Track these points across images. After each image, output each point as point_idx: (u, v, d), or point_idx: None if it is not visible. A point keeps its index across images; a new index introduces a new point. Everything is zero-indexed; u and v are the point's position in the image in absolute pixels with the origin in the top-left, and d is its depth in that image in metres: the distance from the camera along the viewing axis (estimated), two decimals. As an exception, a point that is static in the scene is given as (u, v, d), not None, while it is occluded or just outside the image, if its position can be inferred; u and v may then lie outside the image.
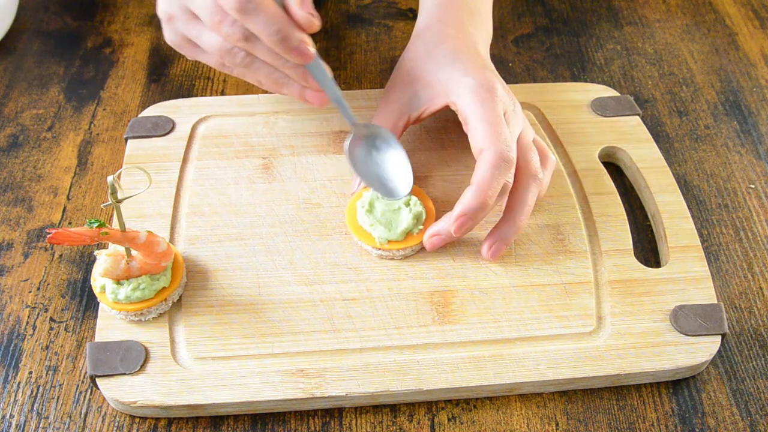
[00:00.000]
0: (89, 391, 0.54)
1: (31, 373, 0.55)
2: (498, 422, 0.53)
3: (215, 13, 0.54)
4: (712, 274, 0.60)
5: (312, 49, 0.55)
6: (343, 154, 0.66)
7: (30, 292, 0.59)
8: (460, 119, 0.60)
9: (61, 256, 0.62)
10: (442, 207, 0.62)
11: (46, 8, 0.84)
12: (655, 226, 0.64)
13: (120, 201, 0.51)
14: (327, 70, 0.58)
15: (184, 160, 0.66)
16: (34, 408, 0.53)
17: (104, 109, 0.73)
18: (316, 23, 0.55)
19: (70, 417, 0.53)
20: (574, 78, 0.78)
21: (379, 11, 0.85)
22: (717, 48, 0.81)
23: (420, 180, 0.64)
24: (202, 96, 0.74)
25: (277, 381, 0.52)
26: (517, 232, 0.58)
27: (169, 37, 0.61)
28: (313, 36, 0.56)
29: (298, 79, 0.58)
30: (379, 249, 0.59)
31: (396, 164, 0.61)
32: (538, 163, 0.59)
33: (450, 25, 0.64)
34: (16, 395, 0.54)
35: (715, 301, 0.57)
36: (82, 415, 0.53)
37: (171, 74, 0.77)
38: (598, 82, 0.76)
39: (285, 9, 0.55)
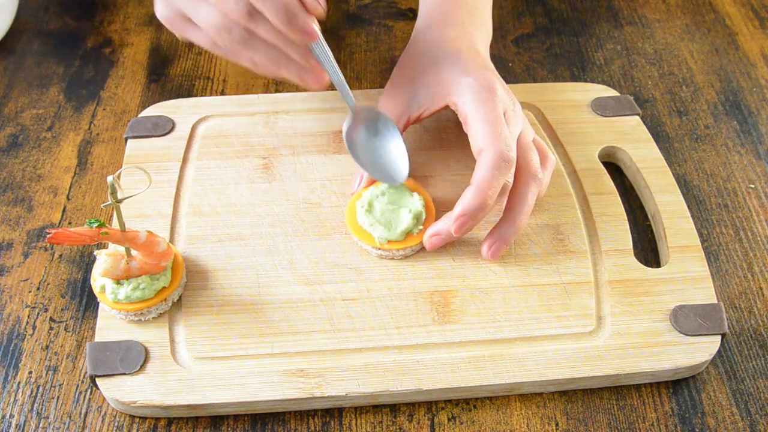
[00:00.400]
0: (89, 391, 0.54)
1: (31, 373, 0.55)
2: (498, 422, 0.53)
3: None
4: (712, 274, 0.60)
5: (317, 28, 0.55)
6: (343, 153, 0.66)
7: (30, 292, 0.59)
8: (460, 119, 0.60)
9: (61, 256, 0.62)
10: (442, 207, 0.62)
11: (46, 8, 0.84)
12: (655, 226, 0.64)
13: (120, 201, 0.51)
14: (329, 51, 0.58)
15: (184, 160, 0.66)
16: (34, 408, 0.53)
17: (104, 109, 0.73)
18: (321, 11, 0.55)
19: (70, 417, 0.53)
20: (574, 78, 0.78)
21: (379, 11, 0.85)
22: (717, 48, 0.81)
23: (420, 180, 0.64)
24: (202, 96, 0.74)
25: (276, 381, 0.52)
26: (517, 232, 0.58)
27: (162, 11, 0.59)
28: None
29: (299, 59, 0.57)
30: (379, 249, 0.59)
31: (394, 149, 0.61)
32: (538, 163, 0.59)
33: (450, 25, 0.64)
34: (16, 395, 0.54)
35: (715, 301, 0.57)
36: (82, 415, 0.53)
37: (171, 74, 0.77)
38: (598, 82, 0.76)
39: None
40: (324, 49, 0.57)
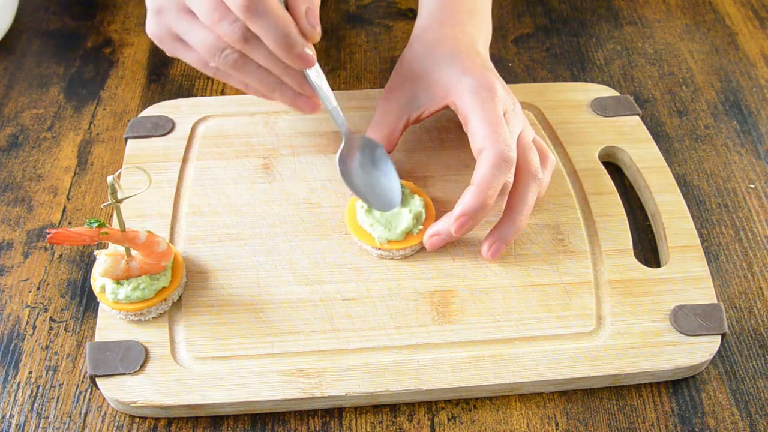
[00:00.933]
0: (89, 391, 0.54)
1: (31, 373, 0.55)
2: (498, 422, 0.53)
3: (215, 10, 0.52)
4: (712, 274, 0.60)
5: (313, 54, 0.54)
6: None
7: (30, 292, 0.59)
8: (460, 119, 0.60)
9: (61, 256, 0.62)
10: (442, 207, 0.62)
11: (46, 8, 0.84)
12: (655, 226, 0.64)
13: (120, 201, 0.51)
14: (323, 76, 0.57)
15: (184, 160, 0.66)
16: (34, 408, 0.53)
17: (104, 109, 0.73)
18: (317, 36, 0.54)
19: (70, 417, 0.53)
20: (574, 78, 0.78)
21: (379, 11, 0.85)
22: (717, 48, 0.81)
23: (420, 180, 0.64)
24: (202, 96, 0.75)
25: (276, 381, 0.52)
26: (517, 231, 0.58)
27: (153, 29, 0.58)
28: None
29: (294, 84, 0.57)
30: (379, 249, 0.59)
31: (386, 177, 0.60)
32: (538, 163, 0.59)
33: (449, 25, 0.64)
34: (16, 395, 0.54)
35: (715, 301, 0.57)
36: (82, 415, 0.53)
37: (171, 74, 0.77)
38: (598, 82, 0.76)
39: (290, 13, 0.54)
40: (319, 75, 0.57)
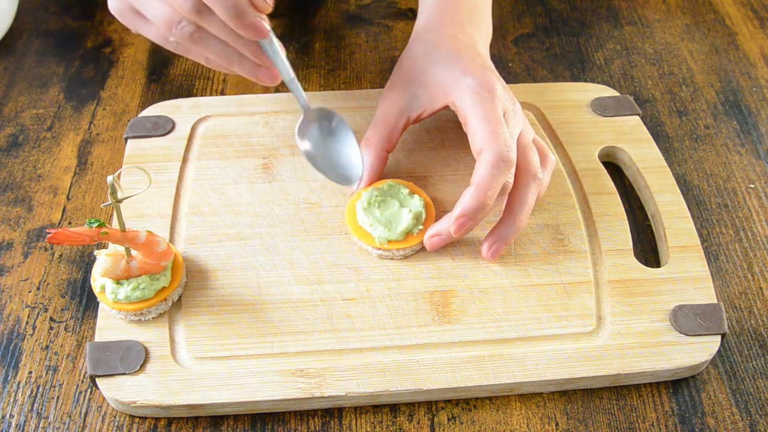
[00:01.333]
0: (89, 391, 0.54)
1: (31, 373, 0.55)
2: (498, 422, 0.53)
3: None
4: (712, 274, 0.60)
5: (267, 25, 0.55)
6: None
7: (30, 292, 0.60)
8: (460, 119, 0.60)
9: (61, 256, 0.62)
10: (442, 207, 0.62)
11: (46, 8, 0.84)
12: (655, 226, 0.64)
13: (120, 201, 0.51)
14: (281, 48, 0.57)
15: (184, 160, 0.66)
16: (34, 408, 0.53)
17: (104, 109, 0.73)
18: (268, 8, 0.54)
19: (70, 417, 0.53)
20: (574, 78, 0.78)
21: (379, 11, 0.85)
22: (717, 48, 0.81)
23: (420, 180, 0.64)
24: (202, 96, 0.75)
25: (276, 381, 0.52)
26: (517, 231, 0.58)
27: (114, 4, 0.58)
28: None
29: (251, 56, 0.57)
30: (379, 249, 0.59)
31: (348, 149, 0.60)
32: (538, 163, 0.59)
33: (449, 24, 0.64)
34: (16, 395, 0.54)
35: (715, 301, 0.57)
36: (82, 415, 0.53)
37: (171, 74, 0.77)
38: (598, 82, 0.76)
39: None
40: (275, 47, 0.57)
